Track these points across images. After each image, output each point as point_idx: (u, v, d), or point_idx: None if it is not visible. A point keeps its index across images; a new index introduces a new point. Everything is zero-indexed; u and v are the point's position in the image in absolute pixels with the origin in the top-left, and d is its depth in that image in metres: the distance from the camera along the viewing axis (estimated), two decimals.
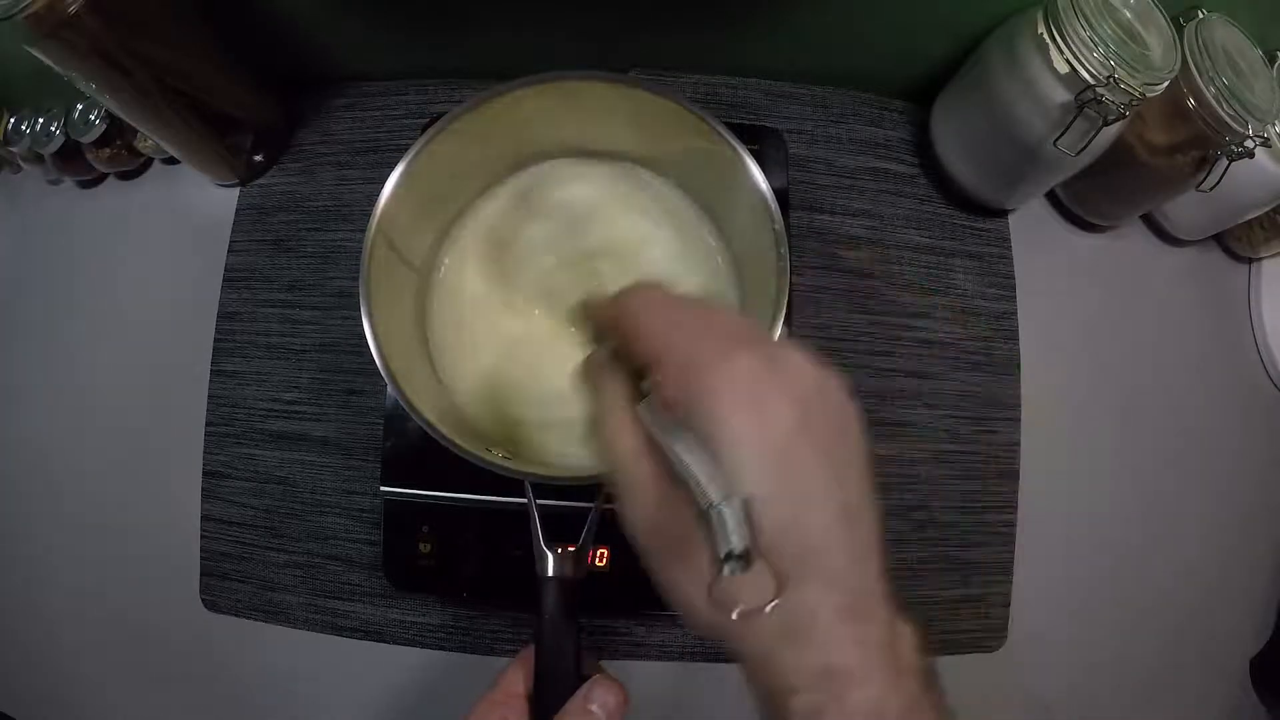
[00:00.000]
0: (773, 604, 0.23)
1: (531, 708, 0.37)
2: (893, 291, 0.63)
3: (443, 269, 0.50)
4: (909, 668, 0.25)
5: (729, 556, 0.22)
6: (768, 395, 0.25)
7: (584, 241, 0.50)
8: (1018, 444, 0.61)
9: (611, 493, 0.29)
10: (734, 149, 0.44)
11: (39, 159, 0.65)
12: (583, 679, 0.37)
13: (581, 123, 0.48)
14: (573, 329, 0.47)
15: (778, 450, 0.25)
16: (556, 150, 0.51)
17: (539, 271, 0.50)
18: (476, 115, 0.45)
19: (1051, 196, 0.67)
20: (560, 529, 0.39)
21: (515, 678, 0.38)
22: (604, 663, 0.40)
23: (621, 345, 0.30)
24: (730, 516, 0.23)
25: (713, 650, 0.58)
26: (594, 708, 0.35)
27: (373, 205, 0.43)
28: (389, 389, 0.41)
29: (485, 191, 0.51)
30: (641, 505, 0.27)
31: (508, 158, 0.50)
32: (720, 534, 0.23)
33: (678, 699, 0.58)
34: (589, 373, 0.32)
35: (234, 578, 0.59)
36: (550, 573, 0.38)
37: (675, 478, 0.26)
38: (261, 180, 0.66)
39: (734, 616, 0.23)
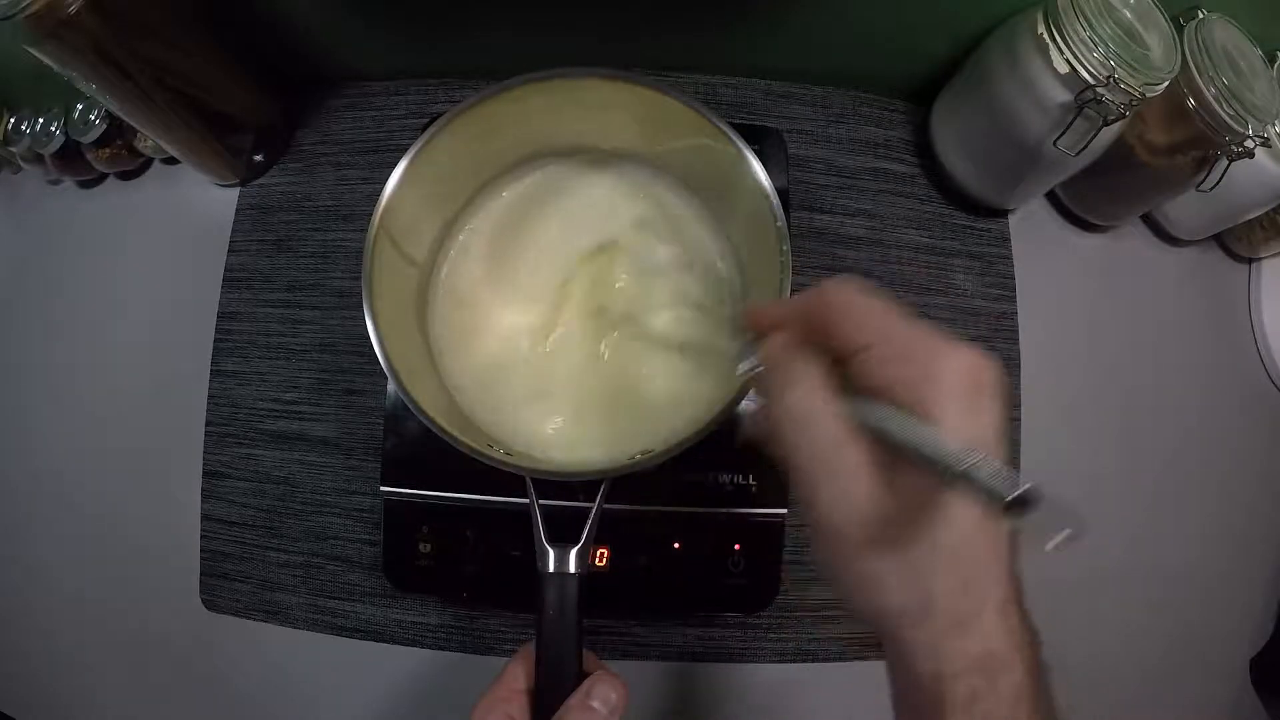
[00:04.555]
0: (1068, 534, 0.24)
1: (533, 703, 0.37)
2: (893, 291, 0.63)
3: (445, 266, 0.50)
4: (1035, 655, 0.28)
5: (1016, 501, 0.23)
6: (983, 390, 0.27)
7: (586, 240, 0.50)
8: (1018, 444, 0.61)
9: (802, 487, 0.28)
10: (736, 147, 0.44)
11: (39, 159, 0.65)
12: (584, 675, 0.37)
13: (584, 120, 0.48)
14: (719, 330, 0.46)
15: (986, 441, 0.26)
16: (559, 148, 0.51)
17: (540, 270, 0.50)
18: (480, 112, 0.45)
19: (1051, 196, 0.67)
20: (562, 527, 0.39)
21: (517, 674, 0.38)
22: (603, 663, 0.40)
23: (819, 335, 0.30)
24: (999, 470, 0.24)
25: (712, 650, 0.58)
26: (595, 703, 0.35)
27: (373, 205, 0.43)
28: (390, 385, 0.41)
29: (488, 189, 0.51)
30: (848, 493, 0.27)
31: (510, 155, 0.50)
32: (996, 484, 0.24)
33: (678, 699, 0.58)
34: (770, 367, 0.31)
35: (234, 578, 0.59)
36: (552, 569, 0.38)
37: (896, 457, 0.27)
38: (261, 180, 0.66)
39: (1049, 548, 0.24)
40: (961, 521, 0.26)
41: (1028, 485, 0.23)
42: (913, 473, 0.26)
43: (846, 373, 0.29)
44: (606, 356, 0.48)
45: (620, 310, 0.49)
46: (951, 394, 0.26)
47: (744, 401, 0.40)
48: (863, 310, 0.29)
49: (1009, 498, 0.23)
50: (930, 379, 0.27)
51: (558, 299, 0.49)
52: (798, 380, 0.29)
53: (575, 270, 0.50)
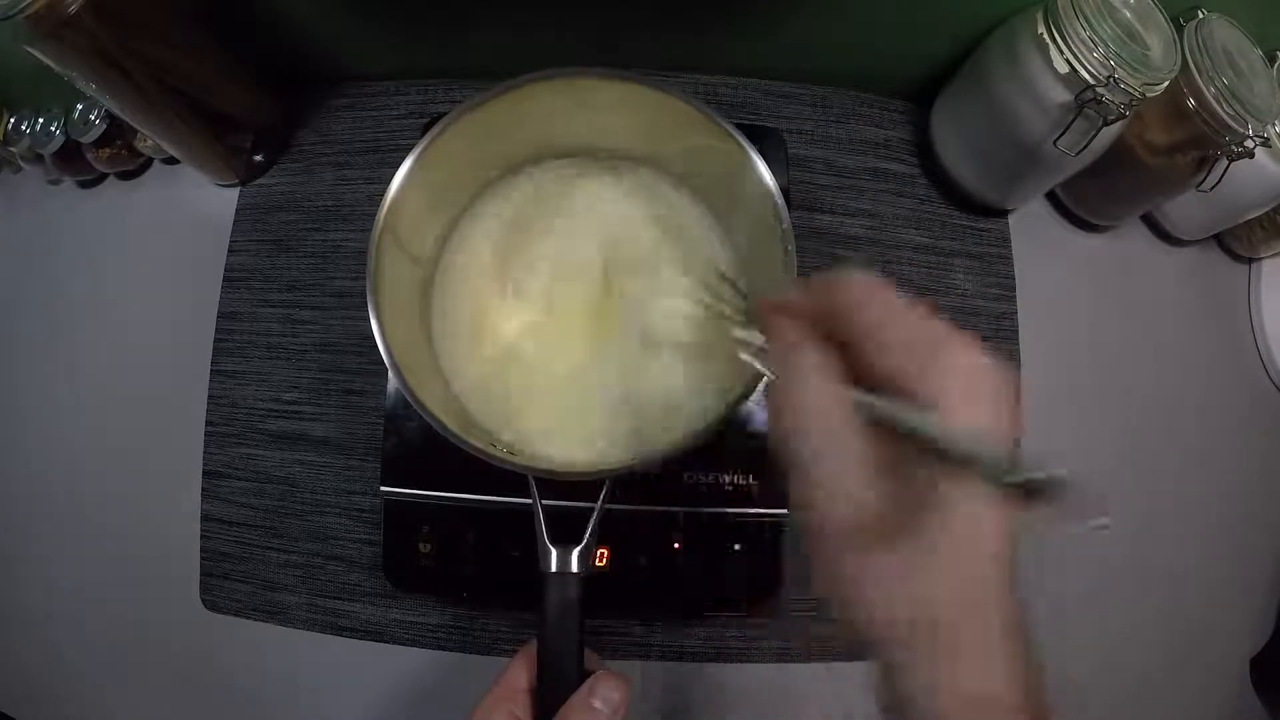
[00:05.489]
0: (1105, 519, 0.22)
1: (535, 702, 0.37)
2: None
3: (448, 265, 0.50)
4: (1041, 699, 0.26)
5: (1031, 484, 0.23)
6: (991, 393, 0.26)
7: (587, 241, 0.50)
8: (1018, 444, 0.61)
9: (799, 477, 0.28)
10: (740, 146, 0.44)
11: (39, 159, 0.65)
12: (585, 674, 0.37)
13: (587, 120, 0.48)
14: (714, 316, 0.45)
15: (995, 431, 0.26)
16: (561, 148, 0.51)
17: (542, 270, 0.50)
18: (484, 112, 0.45)
19: (1051, 196, 0.67)
20: (564, 526, 0.39)
21: (518, 673, 0.38)
22: (604, 663, 0.40)
23: (826, 323, 0.29)
24: (1012, 453, 0.23)
25: (712, 650, 0.58)
26: (597, 703, 0.35)
27: (373, 205, 0.43)
28: (391, 385, 0.41)
29: (492, 188, 0.51)
30: (847, 482, 0.27)
31: (513, 156, 0.50)
32: (1007, 464, 0.23)
33: (678, 699, 0.57)
34: (778, 354, 0.31)
35: (234, 578, 0.59)
36: (554, 568, 0.38)
37: (902, 450, 0.26)
38: (261, 180, 0.66)
39: (1086, 527, 0.23)
40: (967, 523, 0.25)
41: (1053, 470, 0.23)
42: (918, 467, 0.26)
43: (851, 362, 0.28)
44: (608, 357, 0.48)
45: (621, 311, 0.49)
46: (954, 386, 0.26)
47: (748, 403, 0.40)
48: (870, 299, 0.28)
49: (1028, 478, 0.23)
50: (930, 371, 0.26)
51: (559, 299, 0.49)
52: (803, 366, 0.28)
53: (577, 271, 0.50)
